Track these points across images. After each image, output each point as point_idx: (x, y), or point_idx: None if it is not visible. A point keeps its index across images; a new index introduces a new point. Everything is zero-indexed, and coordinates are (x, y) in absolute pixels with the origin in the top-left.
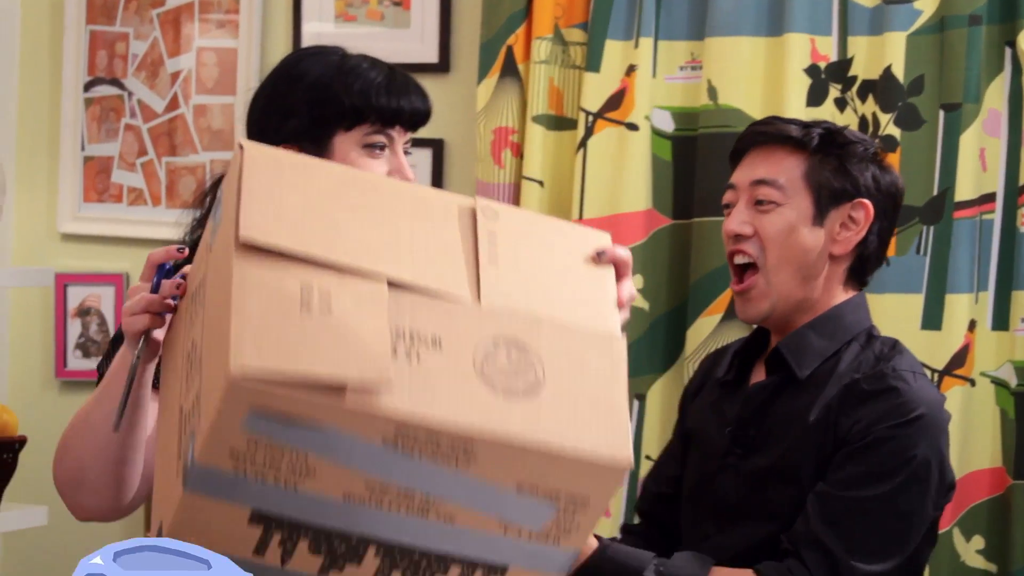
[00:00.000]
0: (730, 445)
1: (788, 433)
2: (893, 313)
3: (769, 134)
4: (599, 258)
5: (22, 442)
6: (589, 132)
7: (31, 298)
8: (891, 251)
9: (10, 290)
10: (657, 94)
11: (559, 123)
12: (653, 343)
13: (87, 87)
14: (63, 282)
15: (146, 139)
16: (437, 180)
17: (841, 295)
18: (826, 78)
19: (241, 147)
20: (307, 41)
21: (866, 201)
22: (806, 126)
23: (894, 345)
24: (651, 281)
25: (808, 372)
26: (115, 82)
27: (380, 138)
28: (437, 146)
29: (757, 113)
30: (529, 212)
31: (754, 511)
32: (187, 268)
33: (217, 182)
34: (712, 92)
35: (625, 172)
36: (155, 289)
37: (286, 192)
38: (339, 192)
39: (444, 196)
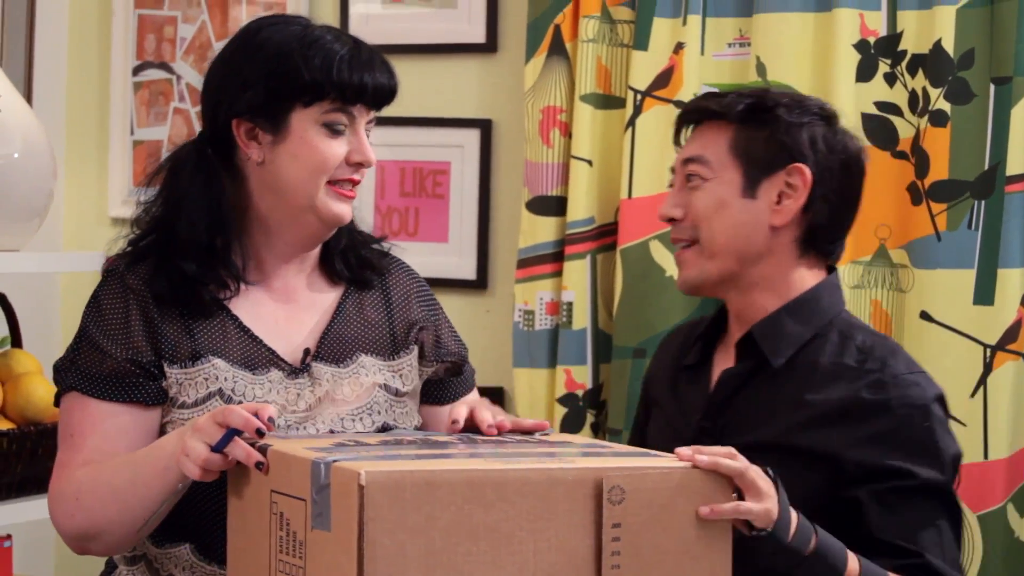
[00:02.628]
0: (697, 435)
1: (767, 422)
2: (944, 289)
3: (693, 111)
4: (712, 513)
5: None
6: (637, 110)
7: (82, 283)
8: (942, 226)
9: (61, 275)
10: (705, 71)
11: (607, 102)
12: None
13: (136, 71)
14: None
15: (195, 122)
16: (485, 161)
17: (810, 276)
18: (875, 53)
19: (361, 487)
20: (355, 23)
21: (801, 165)
22: (739, 96)
23: (883, 339)
24: None
25: (783, 360)
26: (164, 66)
27: (340, 116)
28: (485, 126)
29: (806, 89)
30: (655, 473)
31: None
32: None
33: (170, 158)
34: (761, 69)
35: (674, 150)
36: (218, 448)
37: (408, 543)
38: (464, 520)
39: (571, 478)
